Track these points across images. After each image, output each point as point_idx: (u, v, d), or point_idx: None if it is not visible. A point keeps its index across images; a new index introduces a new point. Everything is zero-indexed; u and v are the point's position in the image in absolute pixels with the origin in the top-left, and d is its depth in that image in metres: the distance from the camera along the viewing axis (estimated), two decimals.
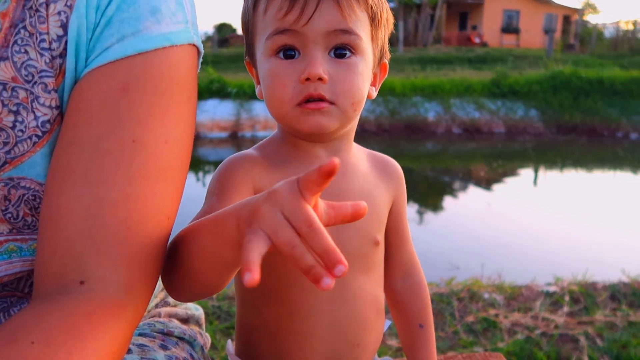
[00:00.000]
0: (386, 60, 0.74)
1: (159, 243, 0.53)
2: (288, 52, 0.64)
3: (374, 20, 0.67)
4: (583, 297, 2.42)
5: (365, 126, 9.86)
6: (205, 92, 10.06)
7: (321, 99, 0.63)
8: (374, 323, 0.76)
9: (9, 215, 0.54)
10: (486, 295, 2.43)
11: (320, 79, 0.62)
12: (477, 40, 22.33)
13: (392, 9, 0.73)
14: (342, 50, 0.64)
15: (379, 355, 0.83)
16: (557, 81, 11.28)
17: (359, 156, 0.76)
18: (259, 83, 0.71)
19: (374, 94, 0.72)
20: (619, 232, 4.52)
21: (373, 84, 0.72)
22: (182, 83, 0.55)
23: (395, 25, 0.76)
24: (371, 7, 0.66)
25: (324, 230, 0.44)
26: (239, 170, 0.68)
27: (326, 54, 0.63)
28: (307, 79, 0.62)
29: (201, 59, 0.60)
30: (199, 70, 0.60)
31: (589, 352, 1.99)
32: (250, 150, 0.72)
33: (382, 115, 10.23)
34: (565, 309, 2.32)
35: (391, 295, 0.83)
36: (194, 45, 0.56)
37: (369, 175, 0.75)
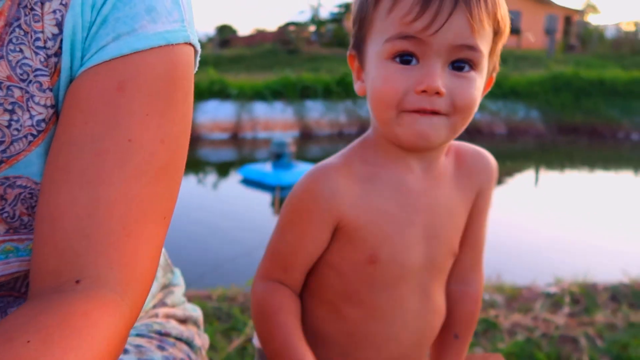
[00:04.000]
0: (494, 75, 0.70)
1: (155, 243, 0.53)
2: (405, 57, 0.61)
3: (496, 34, 0.64)
4: (583, 298, 2.42)
5: (366, 127, 9.85)
6: (206, 93, 10.06)
7: (435, 113, 0.61)
8: (435, 332, 0.76)
9: (6, 214, 0.54)
10: (486, 296, 2.43)
11: (437, 92, 0.59)
12: None
13: None
14: (461, 63, 0.61)
15: None
16: (558, 82, 11.27)
17: (446, 159, 0.72)
18: (359, 79, 0.68)
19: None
20: (619, 232, 4.51)
21: None
22: (178, 82, 0.54)
23: None
24: (498, 22, 0.62)
25: None
26: (319, 203, 0.65)
27: (445, 67, 0.61)
28: (423, 91, 0.60)
29: (198, 58, 0.60)
30: (196, 70, 0.59)
31: (589, 353, 1.98)
32: (335, 162, 0.68)
33: None
34: (566, 309, 2.32)
35: None
36: (190, 44, 0.56)
37: (454, 181, 0.72)
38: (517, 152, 9.48)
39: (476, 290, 0.77)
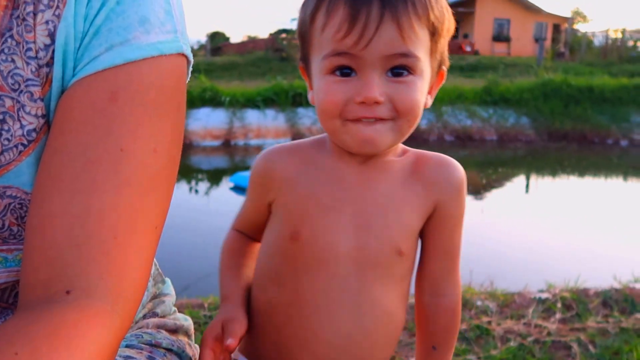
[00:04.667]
0: (444, 68, 0.71)
1: (147, 253, 0.53)
2: (344, 70, 0.63)
3: (434, 35, 0.65)
4: (575, 303, 2.43)
5: None
6: (198, 100, 10.06)
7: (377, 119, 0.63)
8: (382, 341, 0.73)
9: None
10: (479, 303, 2.43)
11: (376, 102, 0.62)
12: (468, 48, 22.48)
13: None
14: (399, 69, 0.63)
15: None
16: (547, 89, 11.39)
17: (396, 159, 0.72)
18: (311, 89, 0.71)
19: (430, 102, 0.70)
20: (610, 238, 4.55)
21: (429, 92, 0.69)
22: (171, 92, 0.54)
23: None
24: (433, 23, 0.63)
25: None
26: (257, 178, 0.75)
27: (383, 75, 0.63)
28: (362, 102, 0.62)
29: (191, 68, 0.60)
30: (188, 79, 0.60)
31: (581, 358, 1.99)
32: (285, 145, 0.76)
33: None
34: (558, 315, 2.33)
35: (418, 308, 0.78)
36: (183, 54, 0.56)
37: (402, 181, 0.71)
38: (508, 158, 9.54)
39: (452, 301, 0.75)
